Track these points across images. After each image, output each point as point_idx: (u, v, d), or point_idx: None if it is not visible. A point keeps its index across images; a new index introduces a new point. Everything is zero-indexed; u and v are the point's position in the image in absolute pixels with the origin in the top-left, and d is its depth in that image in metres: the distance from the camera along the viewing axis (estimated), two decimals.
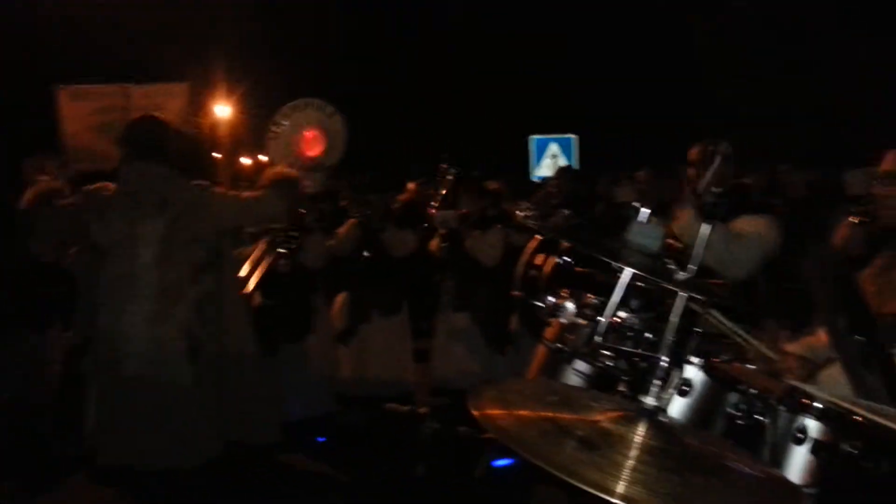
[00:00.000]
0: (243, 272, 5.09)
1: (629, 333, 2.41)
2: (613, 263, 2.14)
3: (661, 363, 1.60)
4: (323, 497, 5.04)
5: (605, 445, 1.31)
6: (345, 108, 7.34)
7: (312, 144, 7.23)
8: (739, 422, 2.09)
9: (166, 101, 5.98)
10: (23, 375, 5.04)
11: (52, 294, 5.17)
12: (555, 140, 12.66)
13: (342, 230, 6.13)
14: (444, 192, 6.39)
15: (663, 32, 18.20)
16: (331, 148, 7.10)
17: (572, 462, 1.23)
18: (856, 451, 1.93)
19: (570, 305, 2.51)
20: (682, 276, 1.87)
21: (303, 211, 5.68)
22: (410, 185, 7.26)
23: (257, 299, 5.61)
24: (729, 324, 2.56)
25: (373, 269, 6.24)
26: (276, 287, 5.61)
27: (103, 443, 3.68)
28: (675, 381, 1.63)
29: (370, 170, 7.55)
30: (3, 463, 4.88)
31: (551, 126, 14.00)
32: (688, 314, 1.87)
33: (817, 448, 1.98)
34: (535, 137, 12.84)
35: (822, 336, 2.44)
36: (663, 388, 1.56)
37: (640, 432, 1.38)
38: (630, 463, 1.27)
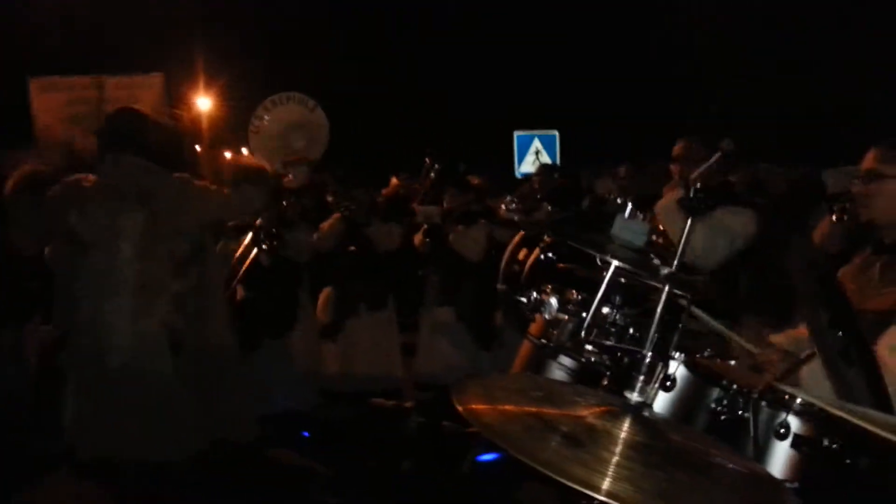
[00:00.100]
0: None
1: (612, 329, 2.42)
2: (598, 258, 2.15)
3: (646, 358, 1.60)
4: (307, 492, 5.03)
5: (590, 441, 1.32)
6: (327, 102, 7.32)
7: (296, 138, 7.20)
8: (722, 417, 2.10)
9: (141, 92, 5.92)
10: (1, 370, 4.99)
11: (31, 287, 5.12)
12: (538, 136, 12.67)
13: (326, 224, 6.10)
14: (427, 186, 6.39)
15: (646, 28, 18.27)
16: (313, 142, 7.07)
17: (557, 458, 1.23)
18: (836, 447, 1.94)
19: (553, 301, 2.51)
20: (665, 271, 1.88)
21: (285, 205, 5.66)
22: (394, 180, 7.25)
23: (240, 293, 5.59)
24: (709, 319, 2.57)
25: (358, 263, 6.22)
26: (260, 281, 5.59)
27: (81, 436, 3.65)
28: (660, 376, 1.63)
29: (350, 163, 7.55)
30: None
31: (536, 122, 14.02)
32: (672, 309, 1.87)
33: (798, 443, 2.00)
34: (518, 133, 12.85)
35: (804, 330, 2.45)
36: (647, 383, 1.56)
37: (624, 428, 1.38)
38: (615, 459, 1.27)
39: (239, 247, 5.54)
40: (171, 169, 3.82)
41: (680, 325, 2.17)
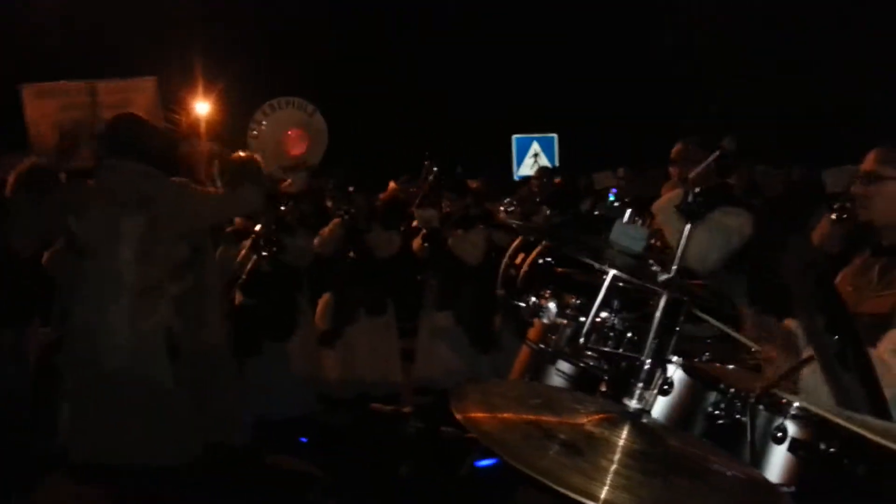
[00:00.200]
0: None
1: (611, 334, 2.42)
2: (596, 264, 2.16)
3: (644, 364, 1.61)
4: (306, 497, 5.03)
5: (588, 449, 1.32)
6: (326, 106, 7.33)
7: (296, 143, 7.21)
8: (719, 421, 2.11)
9: (134, 96, 5.91)
10: (1, 370, 5.00)
11: (30, 289, 5.13)
12: (536, 139, 12.68)
13: (326, 230, 6.11)
14: (425, 190, 6.40)
15: (646, 29, 18.26)
16: (313, 147, 7.09)
17: (556, 467, 1.23)
18: (833, 451, 1.95)
19: (552, 306, 2.51)
20: (664, 276, 1.88)
21: (284, 210, 5.67)
22: (392, 184, 7.26)
23: (239, 298, 5.60)
24: (710, 318, 2.58)
25: (357, 269, 6.23)
26: (259, 286, 5.60)
27: (76, 440, 3.65)
28: (658, 382, 1.64)
29: (349, 166, 7.54)
30: None
31: (535, 124, 14.03)
32: (670, 314, 1.88)
33: (795, 447, 2.00)
34: (517, 136, 12.87)
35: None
36: (646, 389, 1.57)
37: (623, 436, 1.39)
38: (614, 467, 1.27)
39: (239, 252, 5.55)
40: (170, 173, 3.84)
41: (677, 329, 2.18)
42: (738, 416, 2.09)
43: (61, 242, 4.09)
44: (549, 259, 3.48)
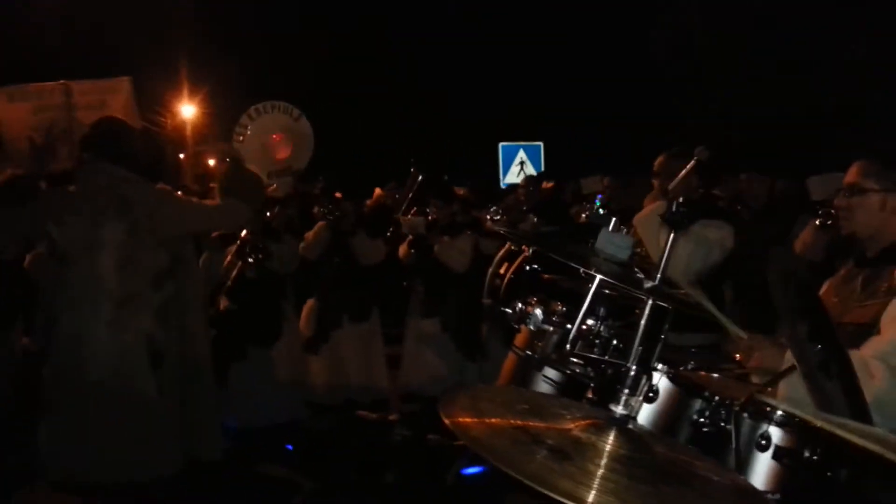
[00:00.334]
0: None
1: (597, 341, 2.43)
2: (582, 270, 2.17)
3: (630, 371, 1.62)
4: None
5: (575, 454, 1.33)
6: (312, 112, 7.31)
7: (281, 147, 7.18)
8: (704, 429, 2.12)
9: (109, 97, 5.83)
10: None
11: (13, 294, 5.07)
12: (523, 147, 12.75)
13: (310, 233, 6.11)
14: (410, 197, 6.40)
15: (644, 30, 18.31)
16: (298, 152, 7.06)
17: (544, 471, 1.24)
18: (817, 458, 1.97)
19: (538, 312, 2.52)
20: (650, 284, 1.90)
21: (269, 215, 5.65)
22: (378, 191, 7.26)
23: (224, 304, 5.58)
24: (704, 299, 2.60)
25: (341, 275, 6.22)
26: (244, 292, 5.58)
27: (54, 457, 3.57)
28: (644, 388, 1.65)
29: (335, 172, 7.54)
30: None
31: (523, 133, 14.09)
32: (655, 322, 1.89)
33: (780, 455, 2.02)
34: (503, 144, 12.93)
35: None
36: (632, 395, 1.58)
37: (610, 441, 1.40)
38: (601, 472, 1.28)
39: (224, 258, 5.54)
40: (152, 178, 3.80)
41: (662, 337, 2.20)
42: (722, 424, 2.11)
43: (43, 247, 4.05)
44: (535, 266, 3.49)
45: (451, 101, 21.92)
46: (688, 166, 3.90)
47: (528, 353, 2.57)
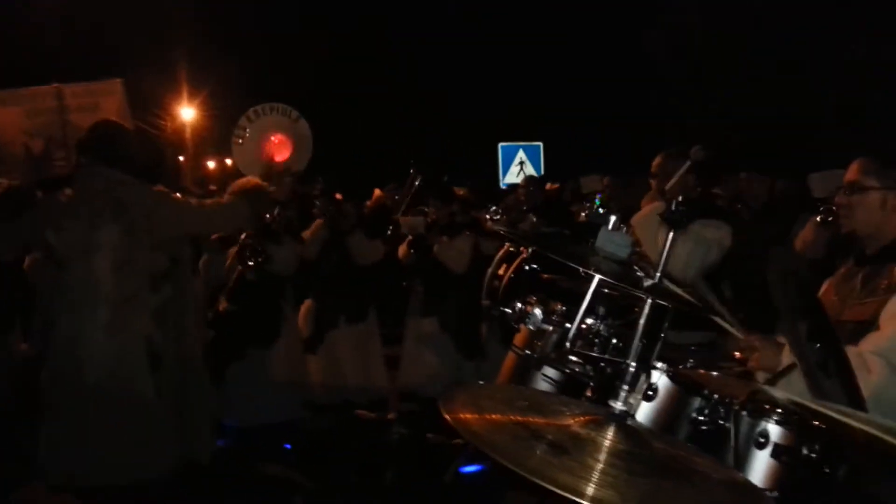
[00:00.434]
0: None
1: (596, 340, 2.44)
2: (581, 270, 2.18)
3: (629, 368, 1.63)
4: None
5: (575, 449, 1.34)
6: (311, 114, 7.31)
7: (279, 149, 7.19)
8: (703, 427, 2.13)
9: (101, 99, 5.81)
10: None
11: (11, 297, 5.07)
12: (522, 147, 12.74)
13: (309, 232, 6.12)
14: (409, 197, 6.42)
15: (643, 29, 18.31)
16: (298, 153, 7.06)
17: (544, 466, 1.25)
18: (815, 456, 1.97)
19: (537, 312, 2.53)
20: (648, 282, 1.91)
21: (268, 217, 5.66)
22: (377, 192, 7.27)
23: (224, 305, 5.58)
24: (707, 290, 2.61)
25: (337, 276, 6.24)
26: (244, 294, 5.59)
27: (56, 461, 3.57)
28: (643, 385, 1.66)
29: (335, 174, 7.55)
30: None
31: (523, 133, 14.09)
32: (655, 320, 1.90)
33: (778, 452, 2.03)
34: (503, 144, 12.92)
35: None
36: (631, 392, 1.59)
37: (609, 436, 1.41)
38: (600, 466, 1.29)
39: (225, 259, 5.55)
40: (150, 181, 3.80)
41: (662, 336, 2.21)
42: (721, 422, 2.11)
43: (41, 252, 4.05)
44: (534, 266, 3.50)
45: (451, 102, 21.94)
46: (684, 166, 3.92)
47: (528, 352, 2.57)
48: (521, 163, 12.47)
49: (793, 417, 2.04)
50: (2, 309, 5.15)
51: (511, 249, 5.08)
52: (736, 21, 16.38)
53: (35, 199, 4.10)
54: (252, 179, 4.54)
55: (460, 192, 6.60)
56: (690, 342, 3.48)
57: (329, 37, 22.83)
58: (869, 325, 2.49)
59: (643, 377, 1.69)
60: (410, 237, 6.15)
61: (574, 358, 2.38)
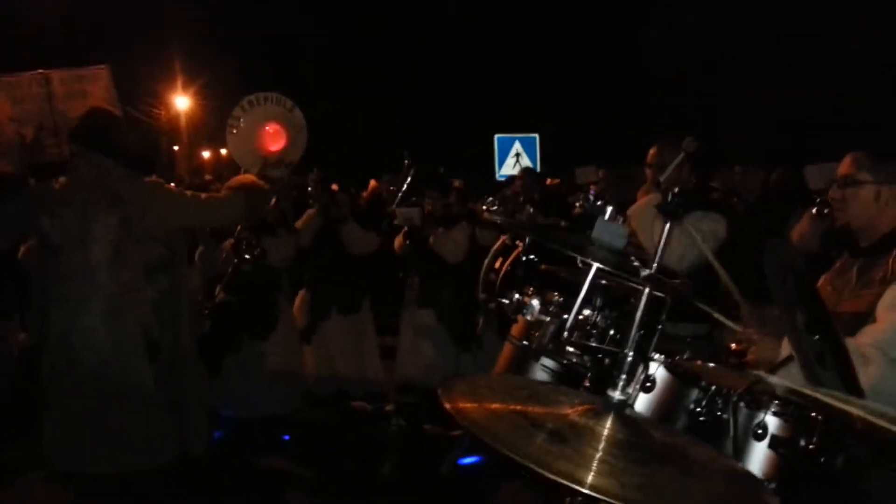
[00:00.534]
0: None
1: (593, 331, 2.44)
2: (579, 259, 2.17)
3: (627, 358, 1.62)
4: (288, 496, 5.01)
5: (574, 438, 1.34)
6: (310, 101, 7.28)
7: (274, 139, 7.16)
8: (701, 418, 2.13)
9: (88, 85, 5.77)
10: None
11: (8, 285, 5.06)
12: (518, 138, 12.72)
13: (301, 221, 6.12)
14: (404, 187, 6.40)
15: (642, 29, 18.31)
16: (293, 144, 7.04)
17: (543, 454, 1.25)
18: (812, 447, 1.98)
19: (535, 303, 2.52)
20: (646, 272, 1.90)
21: (263, 211, 5.64)
22: (373, 182, 7.26)
23: (220, 295, 5.57)
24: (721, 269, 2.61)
25: (330, 266, 6.23)
26: (240, 284, 5.58)
27: (58, 450, 3.57)
28: (640, 376, 1.66)
29: (330, 165, 7.53)
30: None
31: (520, 128, 14.06)
32: (652, 312, 1.90)
33: (776, 444, 2.03)
34: (499, 136, 12.89)
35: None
36: (629, 382, 1.59)
37: (607, 425, 1.41)
38: (599, 455, 1.30)
39: (221, 251, 5.54)
40: (144, 171, 3.77)
41: (659, 327, 2.21)
42: (719, 413, 2.12)
43: (35, 240, 4.03)
44: (532, 256, 3.49)
45: (449, 97, 21.92)
46: (677, 159, 3.91)
47: (525, 343, 2.57)
48: (518, 155, 12.45)
49: (790, 409, 2.04)
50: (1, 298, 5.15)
51: (507, 242, 5.07)
52: (735, 21, 16.39)
53: (28, 185, 4.08)
54: (250, 175, 4.52)
55: (457, 183, 6.59)
56: (686, 333, 3.48)
57: (325, 27, 22.77)
58: (865, 316, 2.50)
59: (641, 368, 1.69)
60: (406, 228, 6.13)
61: (571, 349, 2.38)
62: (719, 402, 2.12)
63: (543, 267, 3.20)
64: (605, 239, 2.30)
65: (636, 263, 2.12)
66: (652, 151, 4.24)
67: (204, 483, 4.29)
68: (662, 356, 2.24)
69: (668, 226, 1.90)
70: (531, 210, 6.11)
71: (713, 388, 2.15)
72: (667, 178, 3.95)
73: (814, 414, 1.95)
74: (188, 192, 4.06)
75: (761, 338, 2.49)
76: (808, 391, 1.46)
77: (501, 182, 9.39)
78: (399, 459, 5.26)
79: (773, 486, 2.00)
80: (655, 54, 18.07)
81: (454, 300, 5.94)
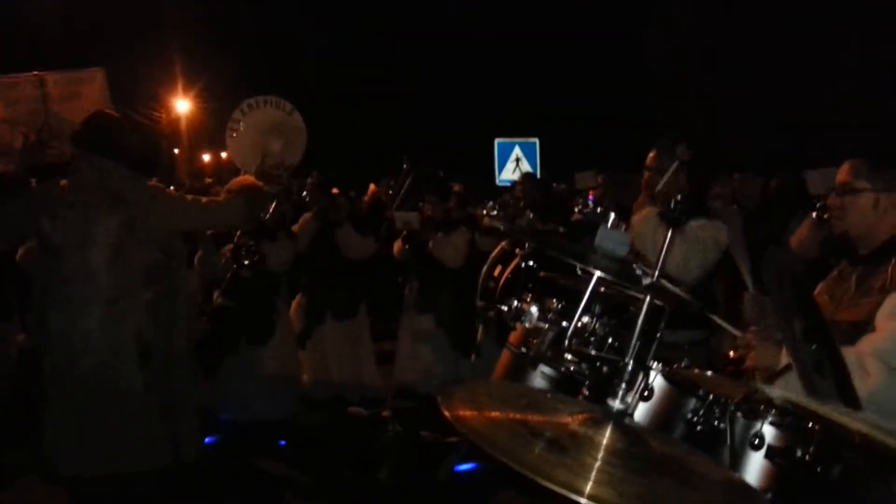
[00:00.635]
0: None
1: (592, 338, 2.44)
2: (579, 267, 2.17)
3: (627, 367, 1.62)
4: (285, 499, 5.01)
5: (573, 447, 1.34)
6: (310, 104, 7.29)
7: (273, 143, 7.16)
8: (698, 427, 2.13)
9: (83, 88, 5.77)
10: None
11: (7, 287, 5.05)
12: (518, 143, 12.71)
13: (298, 225, 6.12)
14: (403, 191, 6.40)
15: (642, 29, 18.31)
16: (291, 147, 7.04)
17: (542, 463, 1.25)
18: (809, 457, 1.98)
19: (533, 310, 2.52)
20: (647, 280, 1.90)
21: (263, 213, 5.64)
22: (372, 186, 7.26)
23: (219, 300, 5.57)
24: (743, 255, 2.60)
25: (328, 270, 6.22)
26: (238, 288, 5.58)
27: (59, 451, 3.57)
28: (639, 385, 1.66)
29: (329, 169, 7.53)
30: None
31: (520, 131, 14.05)
32: (651, 320, 1.90)
33: (772, 454, 2.03)
34: (499, 140, 12.89)
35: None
36: (628, 391, 1.59)
37: (606, 435, 1.41)
38: (598, 464, 1.30)
39: (218, 256, 5.54)
40: (146, 174, 3.78)
41: (658, 335, 2.21)
42: (716, 423, 2.11)
43: (35, 241, 4.03)
44: (532, 263, 3.49)
45: (449, 99, 21.91)
46: (671, 168, 3.91)
47: (523, 350, 2.57)
48: (518, 159, 12.43)
49: (787, 419, 2.04)
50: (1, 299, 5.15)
51: (506, 249, 5.07)
52: (735, 21, 16.40)
53: (29, 187, 4.08)
54: (249, 177, 4.53)
55: (456, 188, 6.59)
56: (683, 341, 3.48)
57: (326, 27, 22.78)
58: (864, 325, 2.49)
59: (640, 375, 1.68)
60: (405, 233, 6.13)
61: (570, 356, 2.37)
62: (717, 411, 2.12)
63: (543, 274, 3.19)
64: (608, 247, 2.29)
65: (638, 272, 2.12)
66: (651, 155, 4.24)
67: (202, 486, 4.29)
68: (660, 364, 2.24)
69: (670, 233, 1.89)
70: (531, 216, 6.11)
71: (711, 397, 2.15)
72: (662, 186, 3.95)
73: (811, 424, 1.95)
74: (188, 196, 4.07)
75: (760, 343, 2.49)
76: (805, 403, 1.46)
77: (503, 187, 9.38)
78: (396, 464, 5.26)
79: (769, 496, 2.00)
80: (655, 54, 18.08)
81: (453, 305, 5.94)
